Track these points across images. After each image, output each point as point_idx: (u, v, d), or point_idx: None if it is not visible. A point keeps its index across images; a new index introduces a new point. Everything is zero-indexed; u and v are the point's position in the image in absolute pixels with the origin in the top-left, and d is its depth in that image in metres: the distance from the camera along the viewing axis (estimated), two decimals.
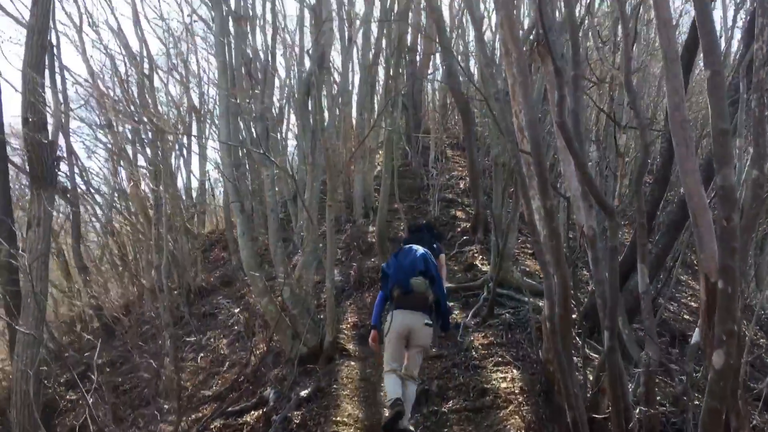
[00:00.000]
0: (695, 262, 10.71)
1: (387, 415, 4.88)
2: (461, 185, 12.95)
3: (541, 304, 7.75)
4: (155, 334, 10.29)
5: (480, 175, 11.09)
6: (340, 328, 7.95)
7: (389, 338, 5.11)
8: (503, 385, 5.76)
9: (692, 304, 9.93)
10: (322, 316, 7.39)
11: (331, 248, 6.82)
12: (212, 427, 6.05)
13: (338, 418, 5.43)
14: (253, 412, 6.22)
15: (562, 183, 7.58)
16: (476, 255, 9.52)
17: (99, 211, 13.31)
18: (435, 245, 7.22)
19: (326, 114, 9.79)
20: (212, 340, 9.45)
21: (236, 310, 9.89)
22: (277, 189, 9.76)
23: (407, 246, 5.71)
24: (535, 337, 5.07)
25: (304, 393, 5.92)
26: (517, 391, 5.57)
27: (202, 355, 8.87)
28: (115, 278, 12.77)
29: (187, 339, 9.87)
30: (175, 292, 11.77)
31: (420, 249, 5.55)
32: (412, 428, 5.07)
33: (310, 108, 7.37)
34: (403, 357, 5.17)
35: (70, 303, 13.30)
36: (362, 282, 9.06)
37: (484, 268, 9.07)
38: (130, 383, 9.31)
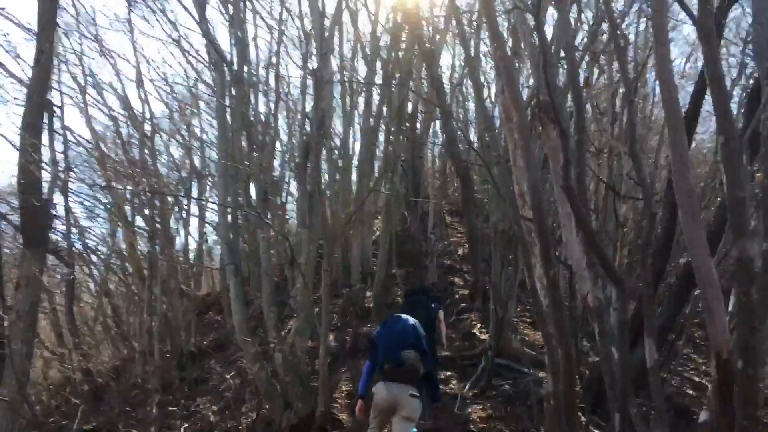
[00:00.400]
0: (696, 335, 10.43)
1: None
2: (460, 252, 12.76)
3: (541, 375, 7.45)
4: (144, 399, 9.89)
5: (479, 242, 10.91)
6: (334, 397, 7.61)
7: (375, 409, 5.01)
8: None
9: (695, 378, 9.59)
10: (315, 384, 7.07)
11: (325, 314, 6.58)
12: None
13: None
14: None
15: (563, 251, 7.41)
16: (474, 323, 9.25)
17: (95, 272, 13.04)
18: (433, 305, 7.04)
19: (326, 178, 9.70)
20: (201, 406, 9.05)
21: (228, 376, 9.53)
22: (273, 252, 9.57)
23: (397, 315, 5.54)
24: (536, 412, 4.77)
25: None
26: None
27: (186, 425, 8.46)
28: (107, 340, 12.40)
29: (173, 408, 9.47)
30: (167, 355, 11.42)
31: (410, 319, 5.34)
32: None
33: (309, 171, 7.26)
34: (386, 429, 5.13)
35: (60, 365, 12.89)
36: (358, 348, 8.75)
37: (483, 337, 8.79)
38: None
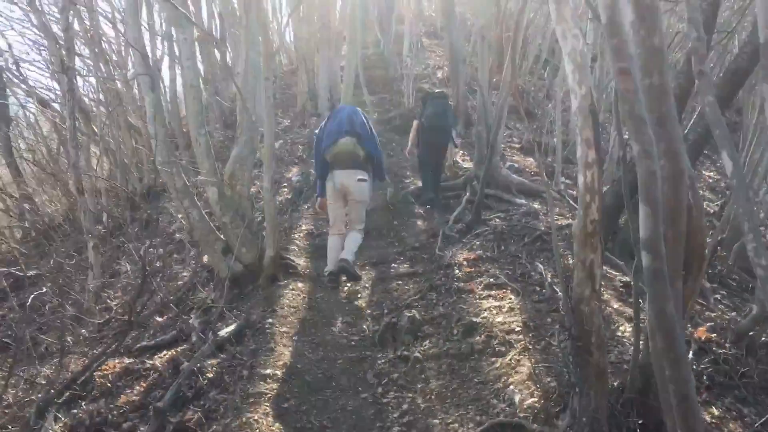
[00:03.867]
0: None
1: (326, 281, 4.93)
2: (439, 75, 10.71)
3: (536, 206, 5.79)
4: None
5: (460, 62, 8.89)
6: (291, 239, 5.94)
7: (329, 199, 5.06)
8: (498, 318, 3.81)
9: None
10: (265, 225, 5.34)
11: (269, 135, 4.68)
12: (109, 371, 4.08)
13: (267, 371, 3.47)
14: (165, 351, 4.25)
15: None
16: (456, 150, 7.46)
17: (36, 106, 10.80)
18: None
19: None
20: (151, 250, 7.41)
21: (180, 216, 7.83)
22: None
23: (339, 108, 5.39)
24: (557, 254, 3.08)
25: (225, 332, 3.95)
26: (518, 329, 3.63)
27: (129, 269, 6.87)
28: (54, 181, 10.46)
29: (118, 250, 7.87)
30: (125, 192, 9.64)
31: (347, 108, 5.16)
32: (352, 260, 4.93)
33: None
34: (344, 217, 5.14)
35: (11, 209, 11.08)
36: None
37: (466, 165, 7.06)
38: (57, 301, 7.32)
